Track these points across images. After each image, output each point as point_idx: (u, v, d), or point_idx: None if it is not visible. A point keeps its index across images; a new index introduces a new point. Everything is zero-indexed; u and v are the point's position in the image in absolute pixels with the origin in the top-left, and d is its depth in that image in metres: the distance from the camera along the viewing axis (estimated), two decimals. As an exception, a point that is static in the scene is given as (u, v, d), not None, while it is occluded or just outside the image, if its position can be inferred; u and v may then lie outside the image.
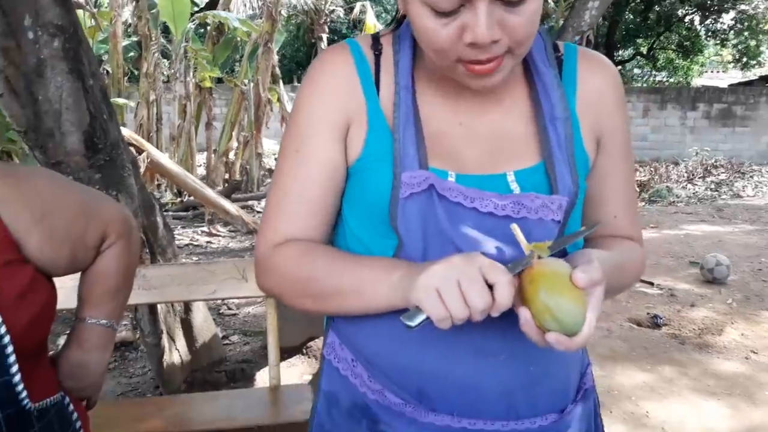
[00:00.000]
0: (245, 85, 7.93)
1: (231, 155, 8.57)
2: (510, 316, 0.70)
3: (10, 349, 0.81)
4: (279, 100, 8.74)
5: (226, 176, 8.39)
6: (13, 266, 0.85)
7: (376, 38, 0.86)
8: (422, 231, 0.77)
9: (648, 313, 3.94)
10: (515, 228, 0.71)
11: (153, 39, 7.31)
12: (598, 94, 0.85)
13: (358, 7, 11.73)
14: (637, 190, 9.16)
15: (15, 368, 0.82)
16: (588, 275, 0.67)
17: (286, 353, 3.15)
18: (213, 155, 8.34)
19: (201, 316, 2.87)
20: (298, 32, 13.01)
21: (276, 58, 8.02)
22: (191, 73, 7.75)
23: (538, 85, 0.82)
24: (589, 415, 0.88)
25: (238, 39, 8.20)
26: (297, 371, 3.13)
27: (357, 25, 13.75)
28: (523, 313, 0.68)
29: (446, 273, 0.66)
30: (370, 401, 0.82)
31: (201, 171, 9.04)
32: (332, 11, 12.44)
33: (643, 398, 2.85)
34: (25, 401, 0.84)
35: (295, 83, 13.00)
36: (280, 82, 8.86)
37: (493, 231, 0.76)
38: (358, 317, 0.81)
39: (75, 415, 0.97)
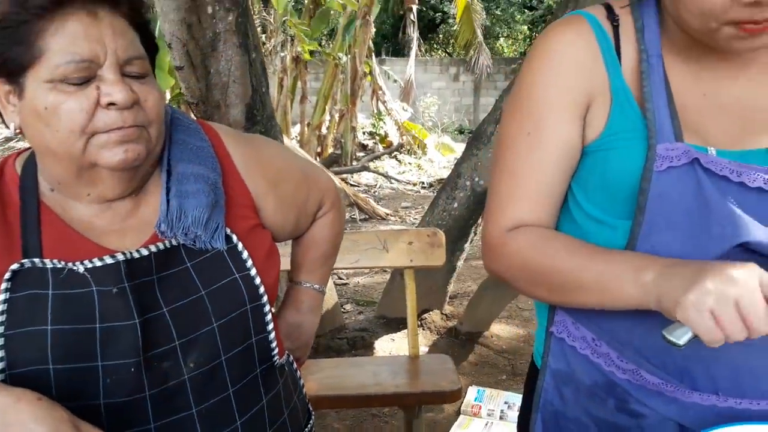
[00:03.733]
0: (340, 59, 8.00)
1: (323, 129, 8.71)
2: None
3: (267, 308, 0.87)
4: (371, 73, 8.76)
5: (318, 150, 8.55)
6: (257, 230, 0.90)
7: (609, 8, 0.83)
8: (677, 209, 0.74)
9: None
10: None
11: (255, 13, 7.49)
12: None
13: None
14: None
15: (271, 326, 0.88)
16: None
17: (401, 323, 3.22)
18: (306, 128, 8.51)
19: (326, 284, 2.97)
20: (386, 4, 12.93)
21: (373, 30, 8.03)
22: (288, 47, 7.89)
23: None
24: None
25: (332, 11, 8.25)
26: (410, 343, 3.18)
27: (446, -5, 13.50)
28: None
29: (721, 292, 0.62)
30: (620, 380, 0.81)
31: (294, 144, 9.25)
32: (422, -18, 12.25)
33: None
34: (276, 357, 0.90)
35: (383, 56, 12.98)
36: (373, 55, 8.86)
37: (761, 207, 0.73)
38: None
39: (298, 373, 1.02)
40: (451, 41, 14.79)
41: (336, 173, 5.98)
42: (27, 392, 0.65)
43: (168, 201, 0.82)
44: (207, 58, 1.74)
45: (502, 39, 15.50)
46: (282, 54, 7.93)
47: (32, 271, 0.74)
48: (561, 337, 0.86)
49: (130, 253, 0.78)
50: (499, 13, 14.52)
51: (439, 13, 14.49)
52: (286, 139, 4.96)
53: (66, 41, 0.70)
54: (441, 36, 15.78)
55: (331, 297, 3.05)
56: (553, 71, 0.80)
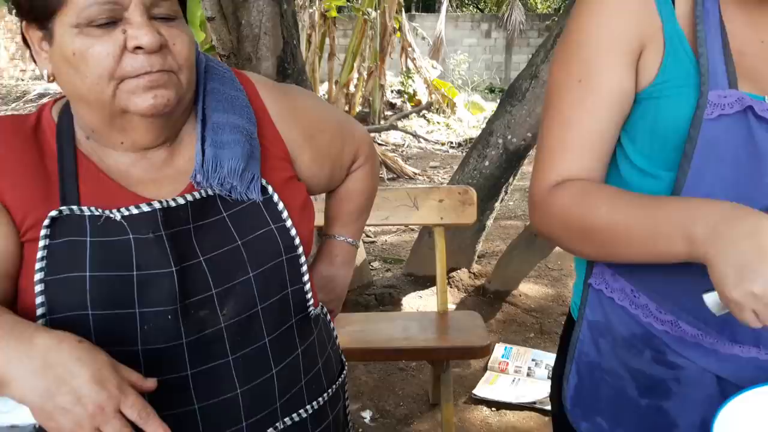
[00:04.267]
0: (369, 14, 7.83)
1: (351, 87, 8.61)
2: None
3: (303, 259, 0.87)
4: (401, 30, 8.57)
5: (347, 108, 8.47)
6: (292, 182, 0.90)
7: None
8: (728, 158, 0.71)
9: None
10: None
11: (282, -33, 7.35)
12: None
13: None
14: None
15: (306, 277, 0.88)
16: None
17: (428, 281, 3.23)
18: (334, 86, 8.43)
19: (360, 239, 2.99)
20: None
21: (403, -16, 7.81)
22: (317, 2, 7.75)
23: None
24: None
25: (361, -35, 8.05)
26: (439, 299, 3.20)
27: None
28: None
29: (766, 299, 0.60)
30: (658, 331, 0.80)
31: (322, 101, 9.20)
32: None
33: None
34: (311, 308, 0.90)
35: (413, 12, 12.68)
36: (402, 11, 8.66)
37: None
38: None
39: (332, 324, 1.03)
40: (483, -4, 14.34)
41: (364, 131, 5.96)
42: (68, 335, 0.67)
43: (203, 151, 0.81)
44: (238, 8, 1.71)
45: (536, -7, 14.97)
46: (310, 10, 7.79)
47: (70, 218, 0.75)
48: (599, 289, 0.85)
49: (167, 201, 0.78)
50: (533, -35, 13.99)
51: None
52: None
53: None
54: (473, -10, 15.30)
55: (359, 253, 3.07)
56: (603, 17, 0.77)
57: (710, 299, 0.66)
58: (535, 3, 14.89)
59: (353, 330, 1.95)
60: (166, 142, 0.82)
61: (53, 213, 0.74)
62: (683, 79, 0.74)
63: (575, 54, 0.79)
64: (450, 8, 12.12)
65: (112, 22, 0.70)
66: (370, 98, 8.25)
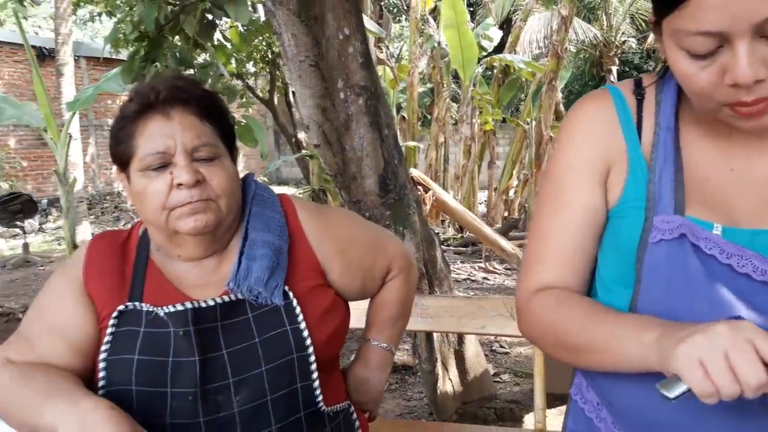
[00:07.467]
0: (527, 124, 8.04)
1: (511, 193, 8.73)
2: None
3: (312, 358, 0.98)
4: (561, 137, 8.61)
5: (505, 214, 8.55)
6: (319, 289, 1.03)
7: (638, 83, 0.85)
8: (666, 282, 0.72)
9: None
10: None
11: (444, 86, 7.96)
12: None
13: (652, 35, 10.93)
14: None
15: (315, 375, 0.99)
16: None
17: (557, 400, 3.04)
18: (494, 193, 8.61)
19: (473, 350, 2.97)
20: (585, 66, 12.70)
21: (560, 95, 7.95)
22: (477, 115, 8.18)
23: None
24: None
25: (523, 79, 8.40)
26: (535, 417, 2.98)
27: (651, 54, 12.80)
28: None
29: (712, 343, 0.61)
30: None
31: (482, 208, 9.41)
32: (623, 42, 11.85)
33: None
34: (321, 404, 1.00)
35: (580, 119, 12.61)
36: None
37: (748, 295, 0.69)
38: None
39: (357, 423, 1.11)
40: (659, 100, 13.79)
41: (512, 239, 5.92)
42: (104, 402, 0.85)
43: (239, 262, 1.00)
44: (341, 136, 1.97)
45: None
46: (471, 122, 8.24)
47: (133, 312, 0.96)
48: (576, 399, 0.88)
49: (198, 303, 0.96)
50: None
51: (644, 73, 13.71)
52: (444, 193, 5.16)
53: (147, 139, 0.93)
54: (647, 95, 14.82)
55: (479, 364, 3.03)
56: (574, 142, 0.85)
57: (664, 384, 0.65)
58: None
59: (440, 440, 1.94)
60: (216, 253, 1.02)
61: (120, 307, 0.96)
62: (641, 201, 0.77)
63: (553, 173, 0.87)
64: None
65: (164, 165, 0.94)
66: (526, 204, 8.25)
